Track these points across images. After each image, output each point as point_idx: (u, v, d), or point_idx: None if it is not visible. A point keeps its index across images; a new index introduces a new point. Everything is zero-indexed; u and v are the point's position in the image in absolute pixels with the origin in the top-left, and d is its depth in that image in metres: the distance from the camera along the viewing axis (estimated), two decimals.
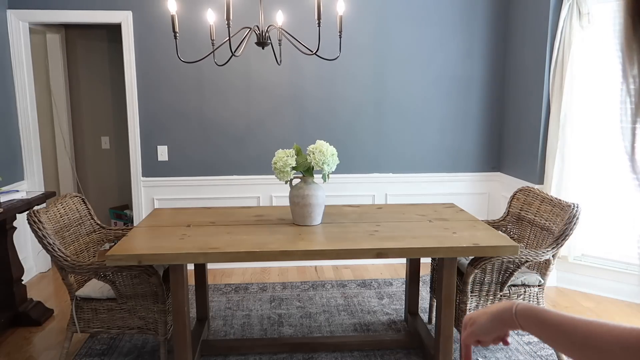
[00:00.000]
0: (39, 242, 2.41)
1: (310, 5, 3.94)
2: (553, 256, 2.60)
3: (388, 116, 4.20)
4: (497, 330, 0.85)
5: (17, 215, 3.17)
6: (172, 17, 2.26)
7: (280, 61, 2.74)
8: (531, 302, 2.66)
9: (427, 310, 3.34)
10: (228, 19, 2.16)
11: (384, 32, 4.08)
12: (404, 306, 3.40)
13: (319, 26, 2.28)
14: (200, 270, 3.01)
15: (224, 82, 4.03)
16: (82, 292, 2.56)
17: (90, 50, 4.82)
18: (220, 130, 4.10)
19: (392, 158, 4.26)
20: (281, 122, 4.13)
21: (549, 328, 0.74)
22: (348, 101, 4.15)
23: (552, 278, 3.79)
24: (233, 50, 2.32)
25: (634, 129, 0.57)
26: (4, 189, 3.29)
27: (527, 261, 2.49)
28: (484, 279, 2.56)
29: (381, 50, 4.10)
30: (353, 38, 4.04)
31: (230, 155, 4.14)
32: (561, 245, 2.56)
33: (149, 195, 4.13)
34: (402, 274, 4.10)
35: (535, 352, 2.84)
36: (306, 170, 2.57)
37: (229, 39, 2.27)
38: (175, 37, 2.29)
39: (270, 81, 4.06)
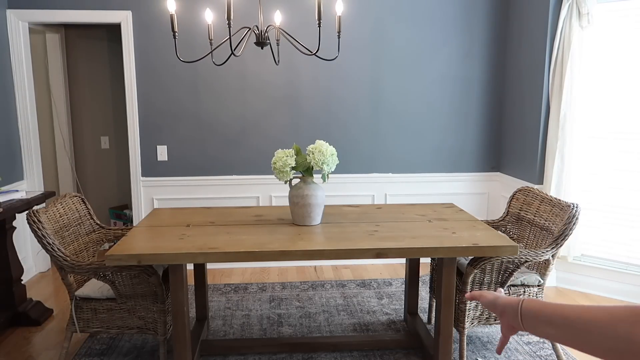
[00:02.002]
0: (39, 242, 2.41)
1: (307, 6, 3.94)
2: (552, 256, 2.60)
3: (387, 116, 4.20)
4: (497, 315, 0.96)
5: (17, 215, 3.18)
6: (172, 17, 2.26)
7: (279, 61, 2.73)
8: None
9: (427, 310, 3.34)
10: (229, 18, 2.15)
11: (382, 33, 4.08)
12: (403, 306, 3.40)
13: (319, 27, 2.28)
14: (200, 270, 3.01)
15: (223, 82, 4.04)
16: (82, 292, 2.56)
17: (89, 50, 4.82)
18: (220, 130, 4.10)
19: (391, 158, 4.26)
20: (280, 122, 4.13)
21: (553, 328, 0.81)
22: (347, 101, 4.15)
23: (552, 278, 3.79)
24: (233, 50, 2.32)
25: None
26: (4, 188, 3.29)
27: (526, 261, 2.49)
28: (483, 279, 2.56)
29: (380, 50, 4.10)
30: (351, 38, 4.04)
31: (229, 155, 4.14)
32: (561, 246, 2.56)
33: (148, 195, 4.13)
34: (402, 274, 4.10)
35: (535, 352, 2.85)
36: (306, 170, 2.58)
37: (230, 39, 2.27)
38: (174, 36, 2.29)
39: (269, 81, 4.06)
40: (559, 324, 0.79)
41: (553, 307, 0.82)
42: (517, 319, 0.89)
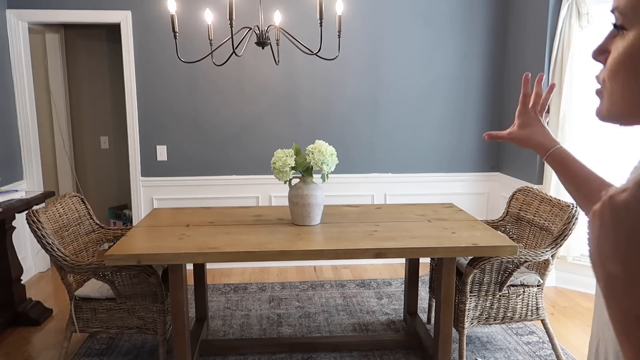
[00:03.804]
0: (38, 241, 2.41)
1: (308, 5, 3.94)
2: (552, 256, 2.60)
3: (387, 116, 4.20)
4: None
5: (16, 215, 3.17)
6: (172, 17, 2.26)
7: (279, 61, 2.74)
8: (530, 302, 2.66)
9: (426, 310, 3.34)
10: (231, 19, 2.15)
11: (382, 32, 4.07)
12: (403, 306, 3.40)
13: (320, 26, 2.28)
14: (199, 270, 3.01)
15: (222, 81, 4.03)
16: (81, 291, 2.56)
17: (89, 50, 4.81)
18: (219, 129, 4.10)
19: (391, 158, 4.26)
20: (280, 122, 4.13)
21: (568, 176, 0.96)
22: (346, 101, 4.15)
23: (551, 278, 3.79)
24: (234, 51, 2.32)
25: None
26: (3, 188, 3.29)
27: (526, 261, 2.49)
28: (483, 279, 2.56)
29: (379, 49, 4.10)
30: (351, 37, 4.03)
31: (229, 155, 4.14)
32: (560, 246, 2.56)
33: (148, 195, 4.13)
34: (401, 274, 4.10)
35: (535, 352, 2.85)
36: (305, 170, 2.58)
37: (232, 38, 2.27)
38: (175, 37, 2.29)
39: (268, 81, 4.06)
40: (579, 182, 0.94)
41: (579, 166, 0.94)
42: (541, 155, 1.00)
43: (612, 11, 0.59)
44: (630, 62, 0.57)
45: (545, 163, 0.99)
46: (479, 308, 2.60)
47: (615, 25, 0.59)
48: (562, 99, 3.49)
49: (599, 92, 0.63)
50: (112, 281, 2.45)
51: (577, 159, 0.94)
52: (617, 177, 3.51)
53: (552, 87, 1.03)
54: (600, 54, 0.62)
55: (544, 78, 1.04)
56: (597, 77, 0.64)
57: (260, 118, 4.11)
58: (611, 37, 0.60)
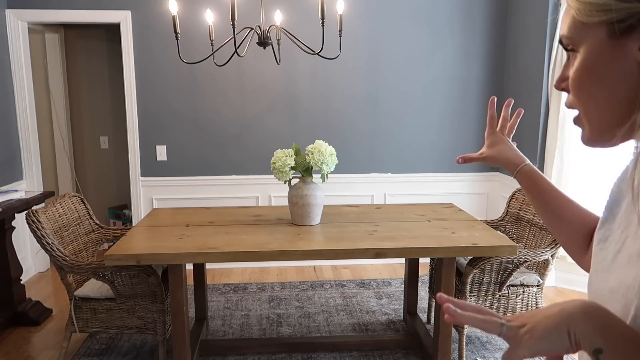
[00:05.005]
0: (38, 241, 2.41)
1: (308, 4, 3.94)
2: (552, 256, 2.60)
3: (387, 115, 4.20)
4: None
5: (16, 215, 3.17)
6: (174, 18, 2.26)
7: (280, 61, 2.74)
8: (529, 302, 2.66)
9: (426, 310, 3.34)
10: (233, 19, 2.15)
11: (382, 31, 4.08)
12: (402, 306, 3.40)
13: (322, 26, 2.28)
14: (199, 270, 3.01)
15: (222, 81, 4.03)
16: (81, 291, 2.56)
17: (89, 50, 4.81)
18: (219, 129, 4.10)
19: (391, 158, 4.26)
20: (280, 121, 4.13)
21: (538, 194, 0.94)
22: (346, 101, 4.15)
23: (551, 278, 3.79)
24: (236, 51, 2.32)
25: None
26: (3, 188, 3.29)
27: (525, 261, 2.49)
28: (482, 279, 2.56)
29: (379, 49, 4.10)
30: (351, 37, 4.03)
31: (229, 155, 4.14)
32: (560, 246, 2.56)
33: (147, 195, 4.13)
34: (401, 274, 4.10)
35: None
36: (305, 170, 2.58)
37: (234, 39, 2.27)
38: (176, 38, 2.29)
39: (267, 81, 4.06)
40: (548, 198, 0.92)
41: (547, 183, 0.93)
42: (511, 171, 0.98)
43: (560, 42, 0.62)
44: (587, 75, 0.60)
45: (520, 173, 0.97)
46: None
47: (567, 49, 0.63)
48: (562, 99, 3.49)
49: (576, 120, 0.66)
50: (111, 281, 2.45)
51: (545, 177, 0.96)
52: (614, 176, 3.50)
53: (519, 112, 1.05)
54: (562, 81, 0.66)
55: (512, 102, 1.06)
56: (567, 104, 0.67)
57: (260, 118, 4.11)
58: (568, 66, 0.64)
